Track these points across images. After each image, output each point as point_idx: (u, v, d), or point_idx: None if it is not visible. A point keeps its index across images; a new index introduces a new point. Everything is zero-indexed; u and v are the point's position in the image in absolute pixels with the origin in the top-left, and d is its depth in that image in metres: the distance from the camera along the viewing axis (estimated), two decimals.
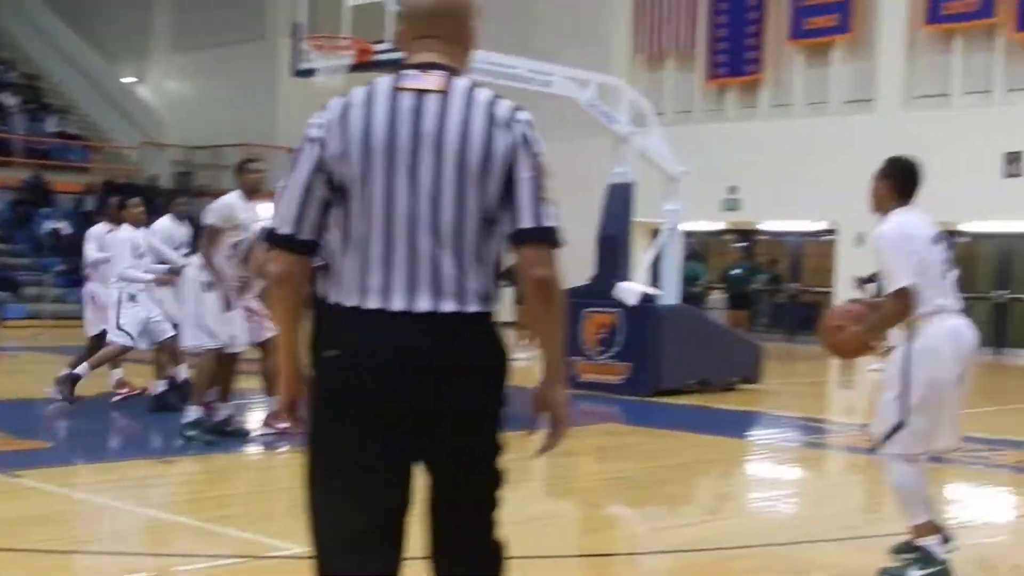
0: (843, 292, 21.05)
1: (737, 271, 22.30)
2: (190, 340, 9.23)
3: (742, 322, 21.32)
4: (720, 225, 25.97)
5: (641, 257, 15.46)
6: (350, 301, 2.97)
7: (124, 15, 35.05)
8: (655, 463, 9.19)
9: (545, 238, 2.96)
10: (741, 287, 22.06)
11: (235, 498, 7.58)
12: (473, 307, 2.95)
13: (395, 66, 3.21)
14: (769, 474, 9.53)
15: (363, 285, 2.95)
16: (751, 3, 25.50)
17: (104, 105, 33.53)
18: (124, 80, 35.24)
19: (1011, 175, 21.83)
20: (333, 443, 2.98)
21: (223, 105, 31.95)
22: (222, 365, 9.13)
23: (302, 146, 3.02)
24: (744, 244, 25.16)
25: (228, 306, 8.90)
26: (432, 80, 2.98)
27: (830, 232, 24.17)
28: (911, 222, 5.61)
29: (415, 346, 2.90)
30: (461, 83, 3.00)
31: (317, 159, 2.97)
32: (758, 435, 11.54)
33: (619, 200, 13.90)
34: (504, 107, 2.98)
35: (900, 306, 5.48)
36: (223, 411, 9.27)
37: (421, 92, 2.97)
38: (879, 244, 5.59)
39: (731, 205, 25.05)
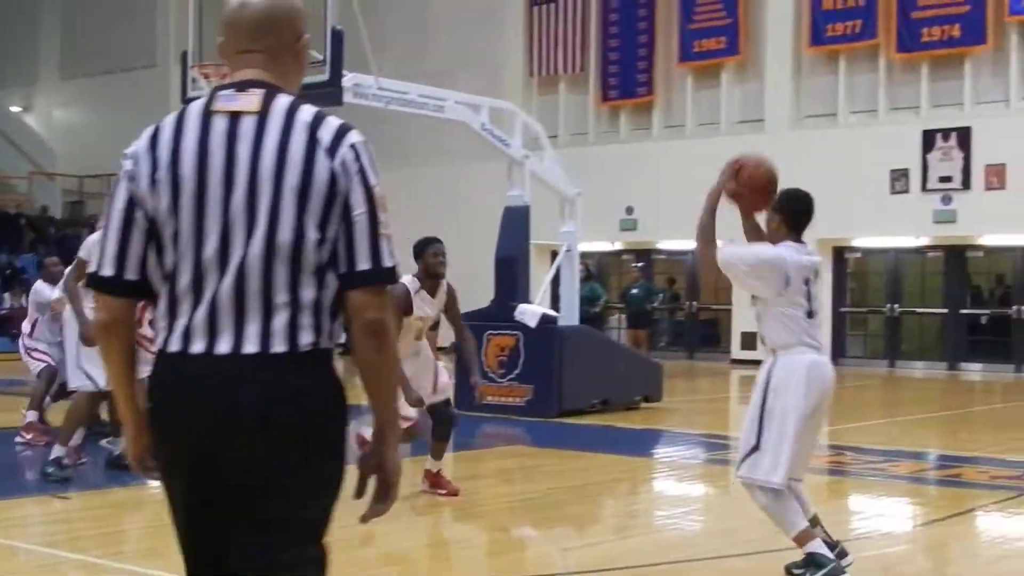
0: (742, 309, 21.34)
1: (636, 291, 22.48)
2: (72, 382, 9.08)
3: (642, 341, 21.52)
4: (618, 245, 26.21)
5: (540, 279, 15.53)
6: (158, 343, 2.70)
7: (9, 42, 34.32)
8: (560, 484, 9.20)
9: (382, 280, 2.67)
10: (640, 307, 22.24)
11: (133, 533, 7.41)
12: (280, 347, 2.61)
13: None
14: (673, 491, 9.60)
15: (170, 325, 2.68)
16: (641, 26, 25.83)
17: None
18: (11, 109, 34.48)
19: (898, 191, 22.38)
20: (166, 490, 2.76)
21: (114, 133, 31.13)
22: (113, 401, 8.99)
23: (117, 180, 2.76)
24: (642, 264, 25.40)
25: (87, 342, 8.75)
26: (247, 100, 2.68)
27: None
28: (794, 262, 5.75)
29: (213, 393, 2.59)
30: (282, 102, 2.69)
31: (129, 193, 2.71)
32: (661, 453, 11.62)
33: (515, 223, 13.96)
34: (329, 129, 2.66)
35: (704, 253, 5.75)
36: (119, 445, 9.11)
37: (235, 114, 2.67)
38: (759, 247, 5.83)
39: (628, 225, 25.29)
